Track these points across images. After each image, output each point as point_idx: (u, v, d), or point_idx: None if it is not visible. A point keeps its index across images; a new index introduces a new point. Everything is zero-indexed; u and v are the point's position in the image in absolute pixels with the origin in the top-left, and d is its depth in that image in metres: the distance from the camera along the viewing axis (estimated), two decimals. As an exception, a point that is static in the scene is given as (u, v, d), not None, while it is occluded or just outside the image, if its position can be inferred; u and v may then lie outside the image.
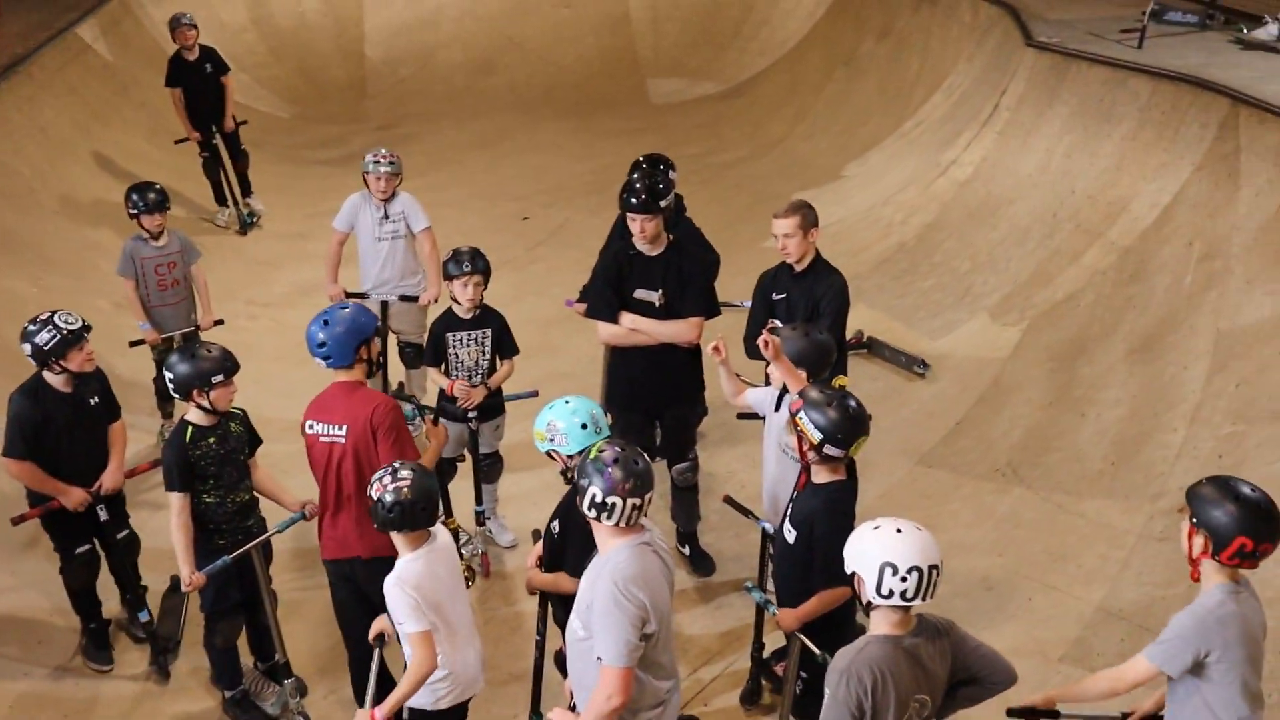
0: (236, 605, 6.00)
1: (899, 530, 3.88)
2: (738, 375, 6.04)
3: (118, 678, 6.55)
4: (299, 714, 6.07)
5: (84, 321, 6.17)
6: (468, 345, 6.96)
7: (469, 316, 6.93)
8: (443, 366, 7.02)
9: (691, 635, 6.65)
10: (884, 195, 11.53)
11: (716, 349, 5.72)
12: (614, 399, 6.86)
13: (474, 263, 6.83)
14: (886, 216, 11.16)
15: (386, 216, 8.35)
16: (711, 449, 8.11)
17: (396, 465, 4.80)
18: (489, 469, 7.26)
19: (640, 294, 6.52)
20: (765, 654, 6.05)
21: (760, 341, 5.43)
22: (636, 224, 6.39)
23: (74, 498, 6.23)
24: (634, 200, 6.35)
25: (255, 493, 6.03)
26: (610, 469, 4.17)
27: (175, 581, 6.93)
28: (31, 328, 6.05)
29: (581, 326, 8.42)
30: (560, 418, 5.00)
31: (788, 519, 5.09)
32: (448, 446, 6.76)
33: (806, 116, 14.38)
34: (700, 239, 7.60)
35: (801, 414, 4.82)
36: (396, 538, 4.80)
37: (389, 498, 4.70)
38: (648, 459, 4.27)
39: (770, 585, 5.66)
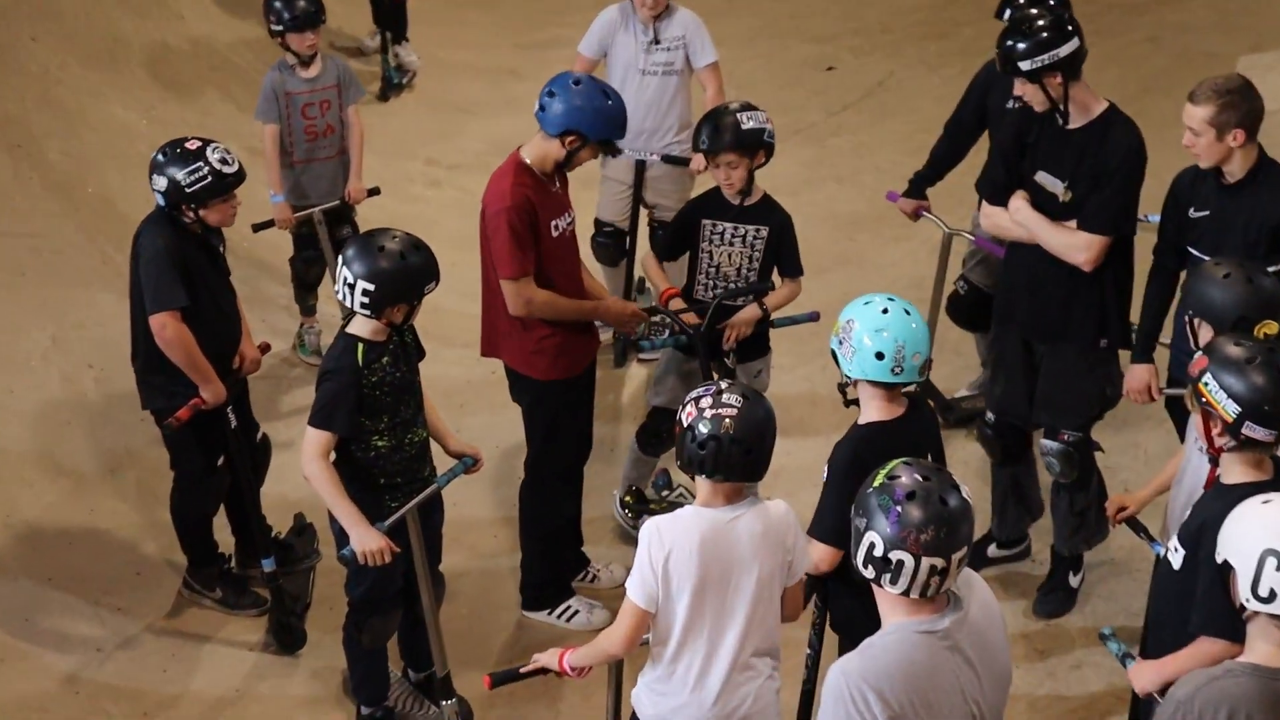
0: (397, 594, 6.04)
1: None
2: None
3: (223, 646, 6.83)
4: (461, 750, 6.25)
5: (241, 166, 6.37)
6: (730, 243, 6.75)
7: (740, 203, 6.71)
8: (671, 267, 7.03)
9: (1034, 699, 6.49)
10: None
11: None
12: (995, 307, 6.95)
13: (724, 136, 6.55)
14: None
15: (657, 41, 8.18)
16: (1095, 429, 7.70)
17: (724, 385, 4.58)
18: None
19: (1042, 178, 6.36)
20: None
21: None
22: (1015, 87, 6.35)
23: (217, 390, 6.42)
24: (1003, 47, 6.18)
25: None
26: (901, 506, 3.75)
27: (299, 522, 7.06)
28: (166, 157, 6.22)
29: (904, 233, 9.08)
30: (863, 324, 4.93)
31: (1176, 534, 4.88)
32: (664, 395, 6.87)
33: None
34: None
35: (1208, 376, 4.55)
36: (700, 482, 4.59)
37: (703, 428, 4.45)
38: (965, 496, 3.85)
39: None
